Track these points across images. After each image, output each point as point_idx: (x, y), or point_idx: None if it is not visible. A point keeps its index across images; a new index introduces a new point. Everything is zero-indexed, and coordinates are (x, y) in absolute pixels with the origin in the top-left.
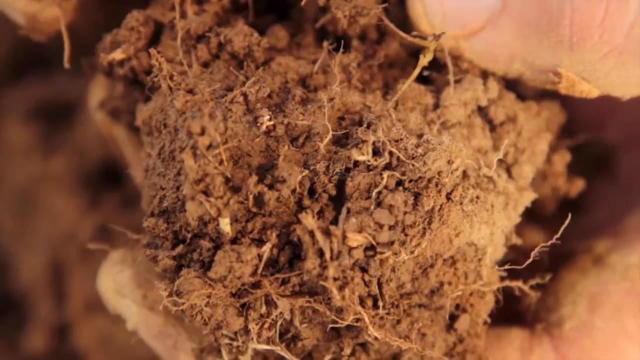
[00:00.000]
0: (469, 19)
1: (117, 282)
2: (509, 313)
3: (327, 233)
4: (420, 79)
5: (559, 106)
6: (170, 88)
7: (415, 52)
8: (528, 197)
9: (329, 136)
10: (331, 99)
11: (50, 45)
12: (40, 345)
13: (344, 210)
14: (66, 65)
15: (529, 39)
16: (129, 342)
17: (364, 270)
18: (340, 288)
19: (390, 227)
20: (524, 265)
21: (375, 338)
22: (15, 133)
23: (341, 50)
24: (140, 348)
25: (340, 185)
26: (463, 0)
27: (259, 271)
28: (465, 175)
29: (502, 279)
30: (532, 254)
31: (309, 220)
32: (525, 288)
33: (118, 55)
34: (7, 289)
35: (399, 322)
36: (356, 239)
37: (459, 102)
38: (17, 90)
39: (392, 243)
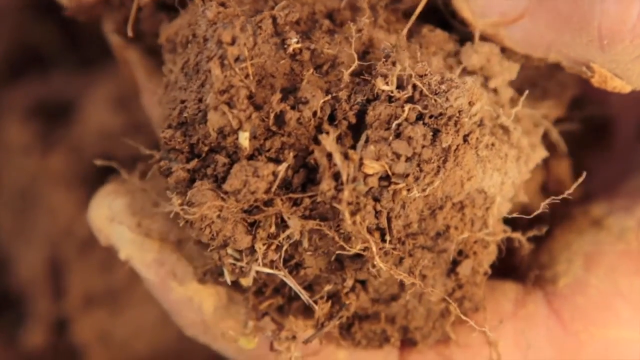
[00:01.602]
0: (508, 7)
1: (111, 210)
2: (504, 267)
3: (345, 156)
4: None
5: (573, 78)
6: None
7: (434, 5)
8: (540, 154)
9: (355, 65)
10: (359, 30)
11: (48, 44)
12: (39, 341)
13: (362, 137)
14: (129, 34)
15: (563, 33)
16: (129, 337)
17: (376, 199)
18: (353, 213)
19: (407, 159)
20: (532, 215)
21: (379, 272)
22: (13, 131)
23: None
24: (140, 343)
25: (361, 114)
26: None
27: (273, 189)
28: (482, 122)
29: (504, 231)
30: (542, 205)
31: (329, 141)
32: (524, 240)
33: None
34: (6, 285)
35: (401, 261)
36: (372, 167)
37: (480, 52)
38: (16, 89)
39: (407, 175)
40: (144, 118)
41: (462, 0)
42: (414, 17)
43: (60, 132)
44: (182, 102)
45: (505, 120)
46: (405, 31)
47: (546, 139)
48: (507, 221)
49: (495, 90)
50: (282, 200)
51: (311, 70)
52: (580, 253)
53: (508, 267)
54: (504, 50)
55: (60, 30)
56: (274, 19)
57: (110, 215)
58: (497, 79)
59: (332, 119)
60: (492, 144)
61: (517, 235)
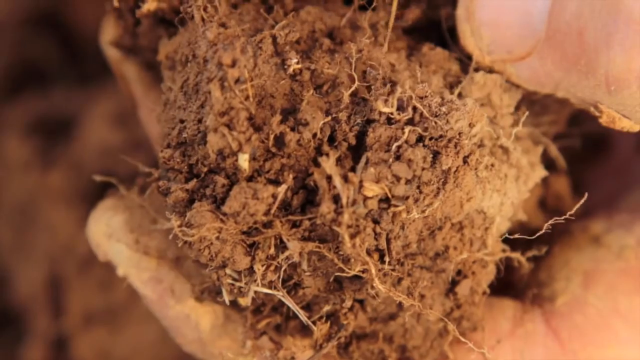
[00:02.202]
0: (515, 45)
1: (109, 226)
2: (503, 284)
3: (345, 179)
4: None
5: None
6: (203, 19)
7: (434, 21)
8: (539, 173)
9: (355, 86)
10: (359, 51)
11: (48, 60)
12: (38, 359)
13: (362, 159)
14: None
15: (570, 73)
16: (128, 355)
17: (376, 222)
18: (352, 236)
19: (407, 182)
20: (535, 236)
21: (377, 293)
22: (13, 148)
23: (370, 8)
24: None
25: (361, 136)
26: (510, 27)
27: (272, 211)
28: (481, 143)
29: (503, 250)
30: (545, 226)
31: (329, 164)
32: (523, 260)
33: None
34: (5, 302)
35: (400, 281)
36: (372, 189)
37: (482, 87)
38: (15, 105)
39: (407, 198)
40: (144, 134)
41: (468, 35)
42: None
43: (60, 148)
44: (182, 121)
45: (505, 140)
46: (385, 46)
47: (545, 154)
48: (506, 239)
49: (495, 117)
50: (281, 222)
51: (311, 91)
52: (579, 271)
53: (506, 285)
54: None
55: (60, 46)
56: (274, 38)
57: (109, 232)
58: (497, 111)
59: (331, 140)
60: (492, 165)
61: (516, 255)
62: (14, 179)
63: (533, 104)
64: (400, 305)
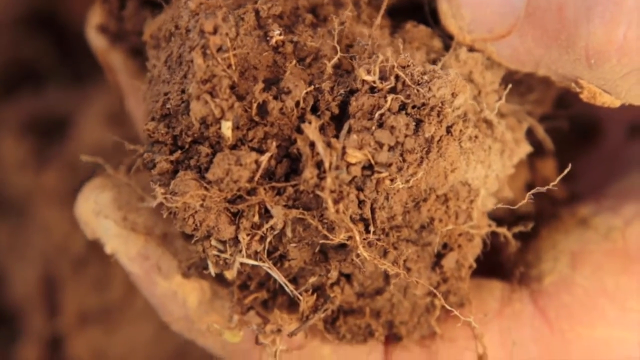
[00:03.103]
0: (495, 24)
1: (97, 203)
2: (492, 266)
3: (327, 145)
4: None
5: None
6: None
7: (416, 2)
8: (524, 149)
9: (337, 57)
10: (342, 23)
11: (42, 60)
12: (33, 358)
13: (345, 127)
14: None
15: (551, 50)
16: (123, 354)
17: (359, 189)
18: (336, 201)
19: (390, 148)
20: (518, 205)
21: (363, 263)
22: (8, 147)
23: None
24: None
25: (344, 106)
26: (490, 5)
27: (256, 178)
28: (465, 115)
29: (489, 225)
30: (527, 195)
31: (311, 129)
32: (509, 235)
33: None
34: (0, 302)
35: (385, 254)
36: (355, 156)
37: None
38: (10, 105)
39: (390, 165)
40: (137, 133)
41: (449, 16)
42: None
43: (55, 147)
44: (165, 94)
45: (488, 114)
46: (379, 20)
47: (533, 136)
48: (494, 220)
49: (479, 94)
50: (265, 189)
51: (294, 62)
52: (567, 252)
53: (495, 266)
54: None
55: (54, 46)
56: (257, 12)
57: (97, 209)
58: (480, 88)
59: (315, 110)
60: (476, 137)
61: (502, 230)
62: (8, 178)
63: (518, 84)
64: (387, 279)
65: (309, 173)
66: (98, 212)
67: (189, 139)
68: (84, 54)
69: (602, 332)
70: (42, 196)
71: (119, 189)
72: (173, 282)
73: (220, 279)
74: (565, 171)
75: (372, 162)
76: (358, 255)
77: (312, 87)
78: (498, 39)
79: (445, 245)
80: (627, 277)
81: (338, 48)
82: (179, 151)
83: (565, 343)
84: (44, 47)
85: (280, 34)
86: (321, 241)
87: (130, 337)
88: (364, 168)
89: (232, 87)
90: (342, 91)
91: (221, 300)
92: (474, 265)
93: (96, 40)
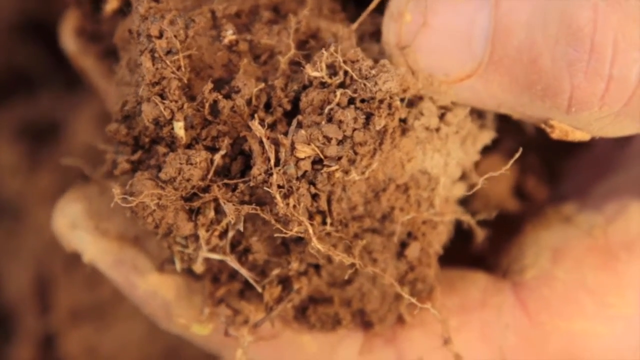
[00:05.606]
0: (452, 68)
1: (70, 216)
2: (477, 260)
3: (275, 142)
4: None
5: None
6: None
7: None
8: (488, 135)
9: (291, 53)
10: (298, 22)
11: (35, 66)
12: (27, 357)
13: (294, 122)
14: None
15: (520, 96)
16: (115, 351)
17: (311, 183)
18: (285, 196)
19: (339, 142)
20: (472, 191)
21: (319, 252)
22: (2, 152)
23: None
24: (127, 357)
25: (296, 102)
26: (447, 52)
27: (210, 176)
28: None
29: (454, 212)
30: (480, 181)
31: (256, 126)
32: (473, 222)
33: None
34: None
35: (350, 247)
36: (304, 151)
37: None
38: (3, 110)
39: (340, 158)
40: None
41: (402, 62)
42: (367, 12)
43: (47, 151)
44: (126, 96)
45: (443, 101)
46: (355, 25)
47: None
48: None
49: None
50: (218, 186)
51: (246, 61)
52: (549, 247)
53: (480, 260)
54: None
55: (47, 51)
56: (213, 12)
57: (70, 222)
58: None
59: (268, 107)
60: (433, 126)
61: (466, 217)
62: (2, 181)
63: None
64: (356, 270)
65: (257, 170)
66: (71, 225)
67: (148, 140)
68: None
69: (581, 325)
70: (34, 198)
71: (89, 200)
72: (151, 281)
73: (193, 273)
74: (513, 160)
75: (321, 156)
76: (312, 247)
77: (264, 84)
78: (455, 83)
79: (409, 234)
80: (607, 272)
81: (292, 45)
82: (140, 151)
83: (543, 334)
84: (37, 54)
85: (232, 34)
86: (282, 236)
87: (122, 335)
88: (314, 162)
89: (184, 88)
90: (295, 87)
91: (197, 295)
92: (440, 251)
93: (68, 44)
